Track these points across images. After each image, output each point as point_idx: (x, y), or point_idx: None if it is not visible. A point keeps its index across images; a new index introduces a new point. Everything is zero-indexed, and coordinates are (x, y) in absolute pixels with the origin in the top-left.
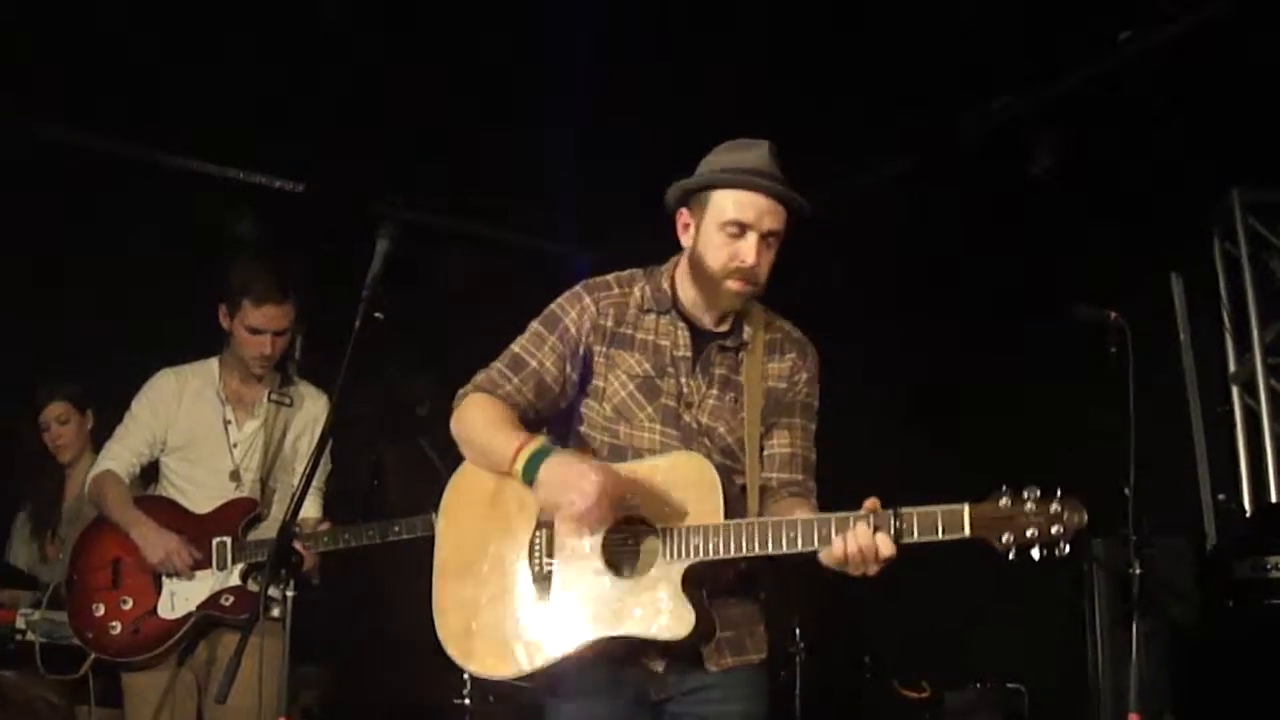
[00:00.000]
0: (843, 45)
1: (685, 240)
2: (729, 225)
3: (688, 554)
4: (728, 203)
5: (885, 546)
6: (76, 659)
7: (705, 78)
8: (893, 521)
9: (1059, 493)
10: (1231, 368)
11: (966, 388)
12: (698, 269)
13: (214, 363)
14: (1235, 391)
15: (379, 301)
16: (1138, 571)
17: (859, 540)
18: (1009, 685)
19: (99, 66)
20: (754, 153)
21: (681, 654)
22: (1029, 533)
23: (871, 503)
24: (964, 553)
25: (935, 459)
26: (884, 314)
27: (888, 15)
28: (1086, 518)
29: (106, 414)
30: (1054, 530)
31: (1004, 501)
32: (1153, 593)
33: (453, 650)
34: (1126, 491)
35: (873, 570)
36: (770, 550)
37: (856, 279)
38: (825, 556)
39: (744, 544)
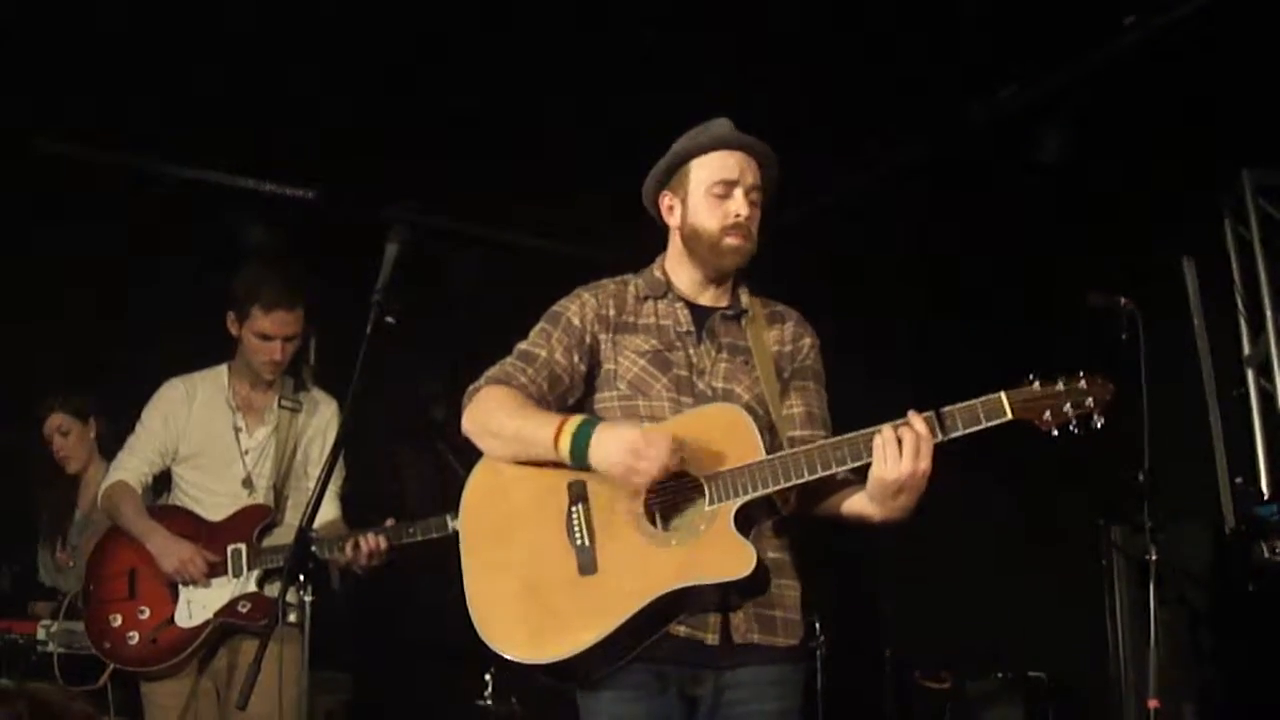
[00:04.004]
0: (848, 37)
1: (672, 221)
2: (716, 186)
3: (736, 493)
4: (710, 166)
5: (934, 433)
6: (95, 669)
7: (713, 76)
8: (937, 420)
9: (1081, 372)
10: (1246, 350)
11: (975, 378)
12: (692, 241)
13: (223, 370)
14: (1250, 374)
15: (390, 306)
16: (1155, 558)
17: (917, 428)
18: (1030, 674)
19: (106, 75)
20: (717, 125)
21: (725, 619)
22: (1066, 408)
23: (912, 413)
24: (982, 541)
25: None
26: (891, 306)
27: (893, 6)
28: (1114, 389)
29: (118, 422)
30: (1088, 403)
31: (1036, 385)
32: (1171, 579)
33: (502, 644)
34: (1142, 478)
35: (923, 464)
36: (820, 472)
37: (864, 270)
38: (878, 466)
39: (792, 473)
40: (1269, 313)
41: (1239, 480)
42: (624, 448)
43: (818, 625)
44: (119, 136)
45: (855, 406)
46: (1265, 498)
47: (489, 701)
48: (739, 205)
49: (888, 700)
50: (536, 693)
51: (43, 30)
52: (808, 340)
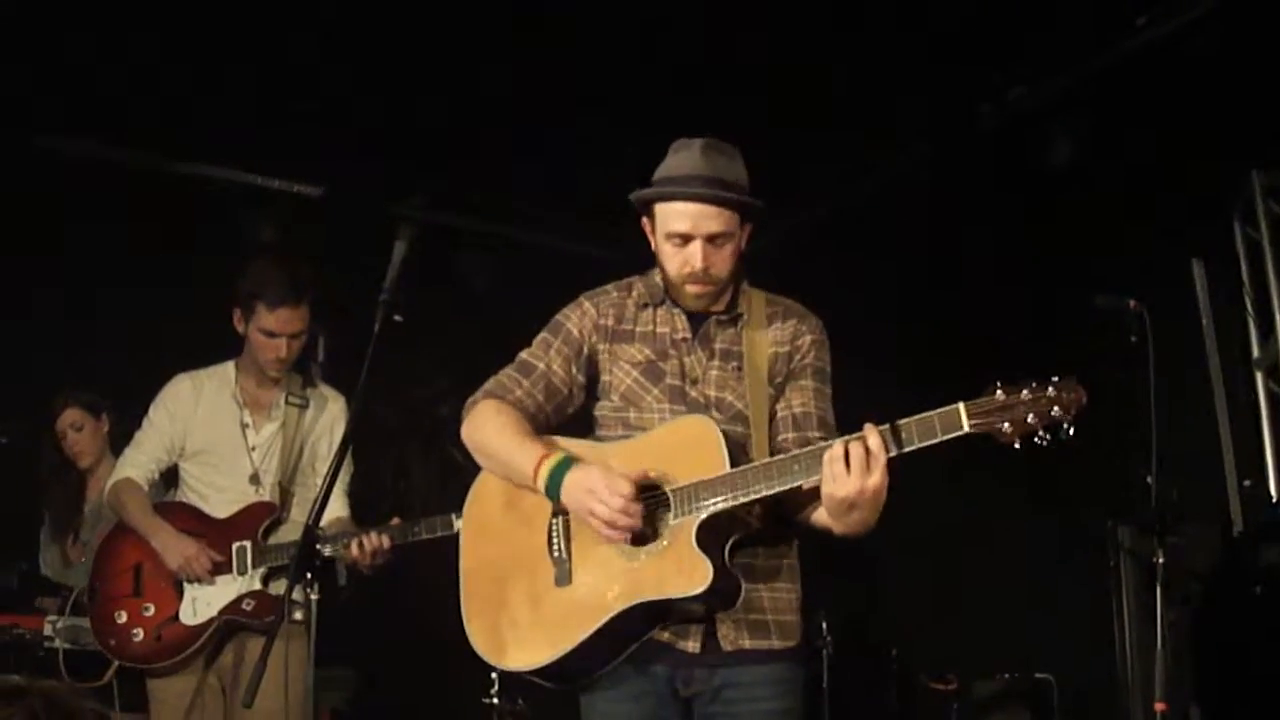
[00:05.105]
0: (854, 37)
1: (653, 245)
2: (672, 237)
3: (698, 508)
4: (667, 215)
5: (888, 447)
6: (100, 665)
7: (722, 78)
8: (891, 434)
9: (1054, 377)
10: (1255, 353)
11: (981, 382)
12: (663, 273)
13: (230, 366)
14: (1259, 376)
15: (397, 304)
16: (1161, 561)
17: (869, 443)
18: (1037, 675)
19: (113, 73)
20: (685, 156)
21: (710, 627)
22: (1029, 419)
23: (868, 426)
24: (989, 542)
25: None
26: (900, 308)
27: (900, 6)
28: (1085, 396)
29: (126, 418)
30: (1054, 412)
31: (999, 394)
32: (1179, 581)
33: (483, 650)
34: (1149, 480)
35: (873, 480)
36: (778, 486)
37: (873, 272)
38: (826, 482)
39: (750, 487)
40: (1278, 314)
41: (1247, 483)
42: (584, 491)
43: (824, 625)
44: (126, 134)
45: (858, 411)
46: (1275, 500)
47: (494, 699)
48: (694, 257)
49: (893, 701)
50: (542, 691)
51: (45, 27)
52: (808, 337)
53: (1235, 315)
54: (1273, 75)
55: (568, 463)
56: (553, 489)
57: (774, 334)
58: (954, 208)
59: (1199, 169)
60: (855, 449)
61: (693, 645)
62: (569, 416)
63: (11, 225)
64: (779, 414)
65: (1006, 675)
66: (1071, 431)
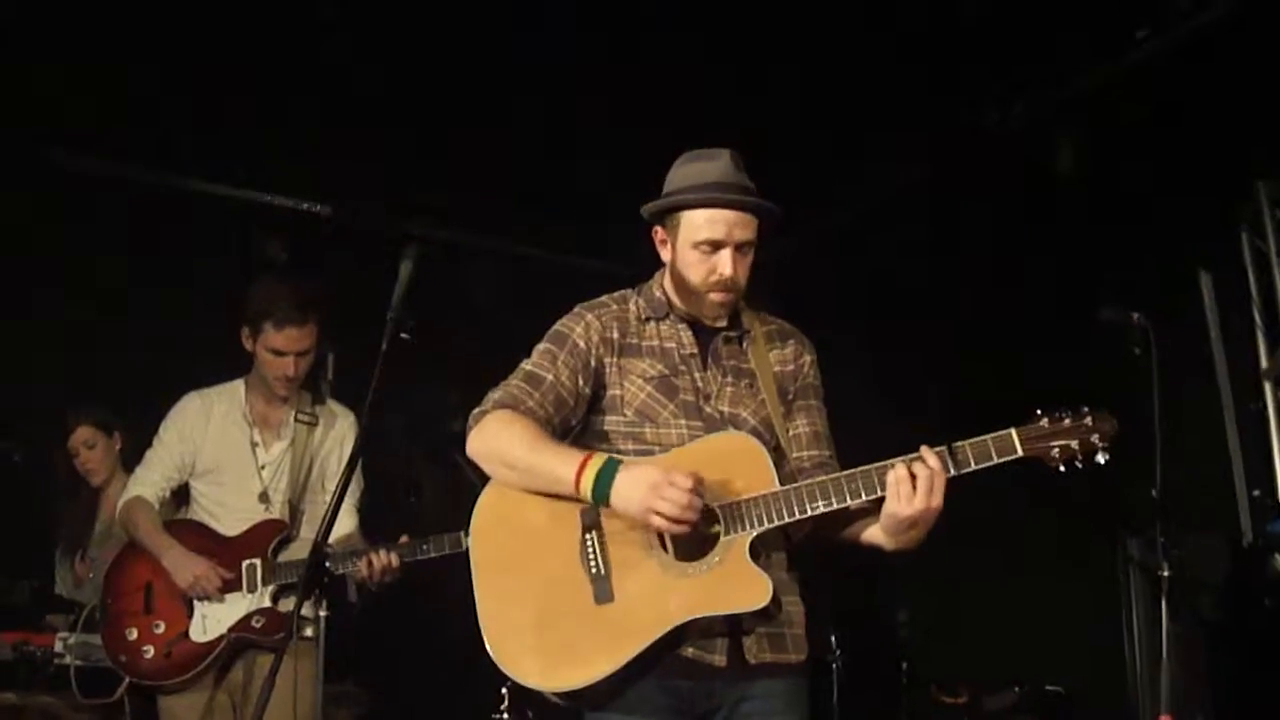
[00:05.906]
0: (859, 47)
1: (664, 255)
2: (702, 244)
3: (751, 525)
4: (697, 221)
5: (945, 468)
6: (112, 682)
7: (723, 82)
8: (949, 455)
9: (1085, 408)
10: (1263, 363)
11: (991, 391)
12: (679, 284)
13: (240, 385)
14: (1267, 387)
15: (404, 322)
16: (1167, 573)
17: (930, 464)
18: (1048, 688)
19: (120, 93)
20: (716, 164)
21: (736, 641)
22: (1073, 444)
23: (925, 448)
24: (999, 555)
25: None
26: (906, 320)
27: (905, 17)
28: (1117, 423)
29: (138, 436)
30: (1093, 439)
31: (1044, 421)
32: (1187, 592)
33: (516, 672)
34: (1154, 494)
35: (936, 500)
36: (834, 505)
37: (879, 284)
38: (892, 502)
39: (806, 505)
40: None
41: (1256, 493)
42: (645, 488)
43: (834, 639)
44: (140, 155)
45: (862, 420)
46: None
47: (504, 715)
48: (724, 264)
49: (904, 715)
50: (551, 707)
51: (57, 43)
52: (807, 357)
53: (1244, 326)
54: (1275, 86)
55: (615, 464)
56: (600, 491)
57: (777, 354)
58: (955, 219)
59: (1205, 180)
60: (920, 470)
61: (719, 659)
62: (568, 430)
63: (12, 233)
64: (790, 432)
65: (1017, 688)
66: (1105, 459)
